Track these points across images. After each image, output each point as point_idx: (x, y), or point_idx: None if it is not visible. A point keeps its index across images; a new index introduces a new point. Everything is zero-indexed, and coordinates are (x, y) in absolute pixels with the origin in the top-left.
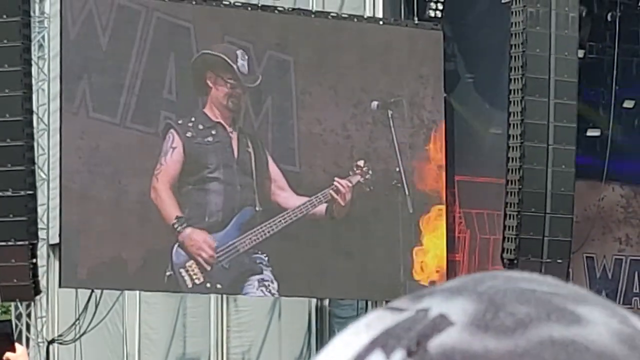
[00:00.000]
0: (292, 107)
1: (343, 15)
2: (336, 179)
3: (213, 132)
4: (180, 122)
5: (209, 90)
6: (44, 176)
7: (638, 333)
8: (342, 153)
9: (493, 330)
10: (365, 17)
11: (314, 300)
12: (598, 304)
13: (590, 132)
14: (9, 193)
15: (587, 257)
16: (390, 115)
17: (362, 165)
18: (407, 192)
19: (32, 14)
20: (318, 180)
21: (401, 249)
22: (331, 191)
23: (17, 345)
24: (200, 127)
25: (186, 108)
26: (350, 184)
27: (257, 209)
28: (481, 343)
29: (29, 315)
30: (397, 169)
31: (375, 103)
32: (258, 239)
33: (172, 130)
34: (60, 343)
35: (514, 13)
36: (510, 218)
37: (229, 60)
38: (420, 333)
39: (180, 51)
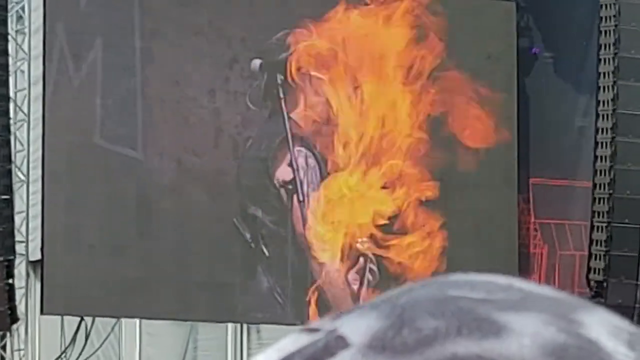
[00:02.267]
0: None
1: None
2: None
3: None
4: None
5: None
6: (22, 177)
7: (580, 341)
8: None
9: (390, 350)
10: None
11: None
12: (540, 309)
13: None
14: None
15: None
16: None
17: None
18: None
19: None
20: None
21: None
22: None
23: None
24: None
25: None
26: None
27: None
28: None
29: (4, 348)
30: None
31: (257, 62)
32: None
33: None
34: None
35: None
36: (598, 230)
37: None
38: (310, 358)
39: None
